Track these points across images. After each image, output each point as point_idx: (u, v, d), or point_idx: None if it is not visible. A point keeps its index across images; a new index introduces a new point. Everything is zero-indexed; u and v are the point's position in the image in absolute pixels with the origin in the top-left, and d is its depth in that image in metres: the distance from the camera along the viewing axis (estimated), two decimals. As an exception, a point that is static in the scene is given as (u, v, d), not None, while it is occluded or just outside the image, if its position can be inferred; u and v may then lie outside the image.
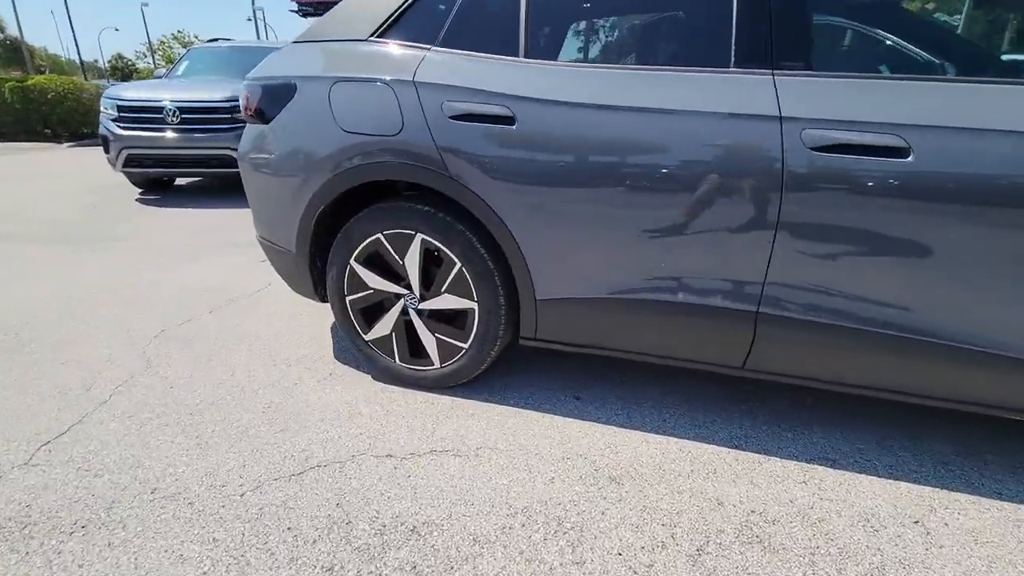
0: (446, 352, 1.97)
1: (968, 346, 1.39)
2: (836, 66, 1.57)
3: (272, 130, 1.95)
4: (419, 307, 1.96)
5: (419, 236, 1.84)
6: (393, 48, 1.81)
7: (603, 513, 1.46)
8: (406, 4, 1.82)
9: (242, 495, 1.50)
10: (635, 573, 1.26)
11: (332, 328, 2.60)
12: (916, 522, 1.43)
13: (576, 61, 1.81)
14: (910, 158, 1.32)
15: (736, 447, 1.74)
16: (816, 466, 1.65)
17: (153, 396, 1.99)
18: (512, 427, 1.84)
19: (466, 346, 1.94)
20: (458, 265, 1.82)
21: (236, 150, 2.02)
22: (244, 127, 2.10)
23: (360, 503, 1.48)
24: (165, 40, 53.14)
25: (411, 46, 1.80)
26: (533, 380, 2.13)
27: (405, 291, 1.96)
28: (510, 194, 1.66)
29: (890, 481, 1.58)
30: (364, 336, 2.07)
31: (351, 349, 2.37)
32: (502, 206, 1.68)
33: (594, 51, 1.92)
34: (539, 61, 1.67)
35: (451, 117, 1.67)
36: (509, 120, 1.62)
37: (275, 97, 1.93)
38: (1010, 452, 1.72)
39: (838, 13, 1.75)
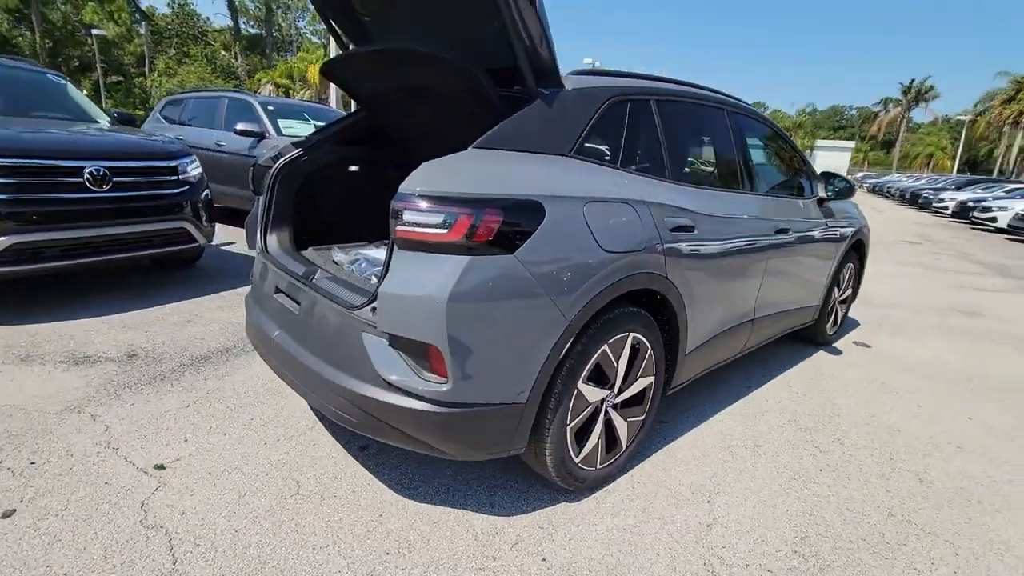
0: (632, 431, 2.17)
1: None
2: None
3: (522, 260, 1.52)
4: (616, 401, 2.06)
5: (631, 335, 1.99)
6: (604, 166, 1.85)
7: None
8: (589, 124, 1.87)
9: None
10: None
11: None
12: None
13: (709, 185, 2.47)
14: (790, 235, 2.87)
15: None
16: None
17: None
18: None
19: (643, 417, 2.22)
20: (650, 350, 2.11)
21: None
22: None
23: None
24: None
25: (609, 165, 1.90)
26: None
27: (607, 392, 2.01)
28: (692, 279, 2.16)
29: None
30: (576, 459, 1.93)
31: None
32: (686, 291, 2.15)
33: (706, 175, 2.57)
34: (691, 185, 2.22)
35: (671, 229, 1.99)
36: (691, 228, 2.12)
37: (521, 220, 1.52)
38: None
39: None
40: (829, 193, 3.33)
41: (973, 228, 15.75)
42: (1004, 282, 7.47)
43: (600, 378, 1.95)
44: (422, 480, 2.05)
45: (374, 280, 2.04)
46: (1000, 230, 14.58)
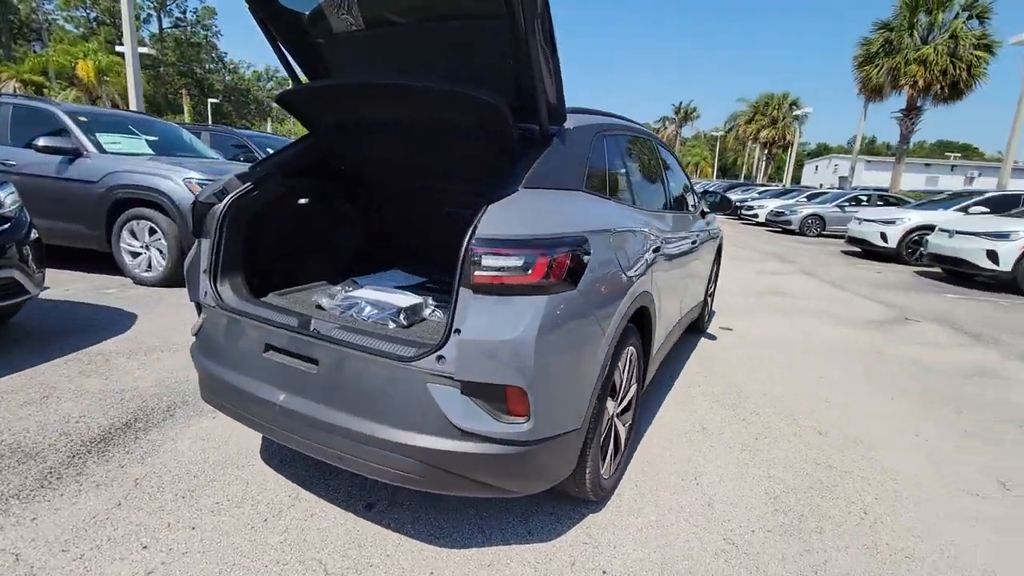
0: (626, 434, 2.37)
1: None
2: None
3: (582, 293, 1.59)
4: (618, 410, 2.24)
5: (630, 348, 2.19)
6: (603, 198, 2.00)
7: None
8: (588, 161, 2.02)
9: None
10: None
11: None
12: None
13: (656, 208, 2.76)
14: (696, 244, 3.37)
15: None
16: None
17: None
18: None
19: (632, 420, 2.44)
20: (638, 357, 2.34)
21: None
22: None
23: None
24: None
25: (603, 196, 2.07)
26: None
27: (615, 403, 2.17)
28: (662, 292, 2.44)
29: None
30: (601, 471, 2.05)
31: None
32: (658, 303, 2.43)
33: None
34: (649, 211, 2.48)
35: (652, 250, 2.23)
36: (659, 249, 2.40)
37: (581, 256, 1.59)
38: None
39: None
40: (707, 207, 3.99)
41: (742, 223, 19.72)
42: (784, 266, 9.59)
43: (613, 392, 2.10)
44: (451, 525, 1.98)
45: (392, 325, 1.91)
46: (760, 223, 18.56)
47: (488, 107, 1.73)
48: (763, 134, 37.36)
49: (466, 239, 1.51)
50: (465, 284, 1.49)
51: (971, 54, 18.28)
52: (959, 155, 63.50)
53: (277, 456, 2.35)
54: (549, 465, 1.69)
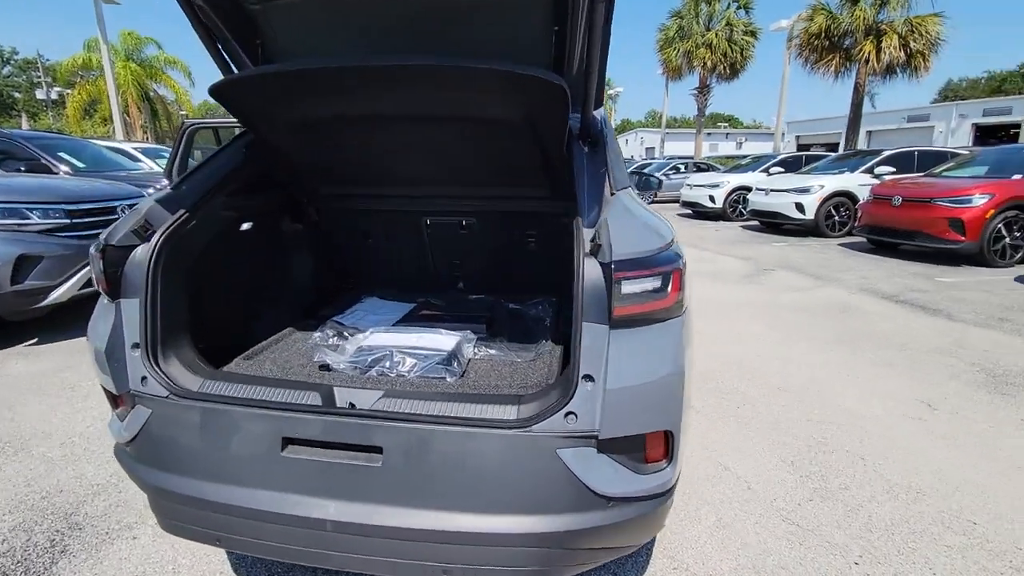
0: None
1: None
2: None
3: (688, 308, 1.38)
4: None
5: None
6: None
7: None
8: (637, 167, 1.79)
9: None
10: None
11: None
12: None
13: None
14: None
15: None
16: None
17: None
18: None
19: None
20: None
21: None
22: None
23: (799, 491, 2.19)
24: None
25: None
26: None
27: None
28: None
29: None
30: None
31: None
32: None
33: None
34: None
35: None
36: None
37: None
38: None
39: None
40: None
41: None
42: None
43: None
44: (532, 595, 1.66)
45: (448, 378, 1.49)
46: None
47: (549, 91, 1.39)
48: (583, 112, 40.38)
49: (580, 263, 1.21)
50: (594, 319, 1.19)
51: (742, 39, 21.80)
52: (727, 125, 76.55)
53: (262, 567, 1.76)
54: (671, 503, 1.48)
